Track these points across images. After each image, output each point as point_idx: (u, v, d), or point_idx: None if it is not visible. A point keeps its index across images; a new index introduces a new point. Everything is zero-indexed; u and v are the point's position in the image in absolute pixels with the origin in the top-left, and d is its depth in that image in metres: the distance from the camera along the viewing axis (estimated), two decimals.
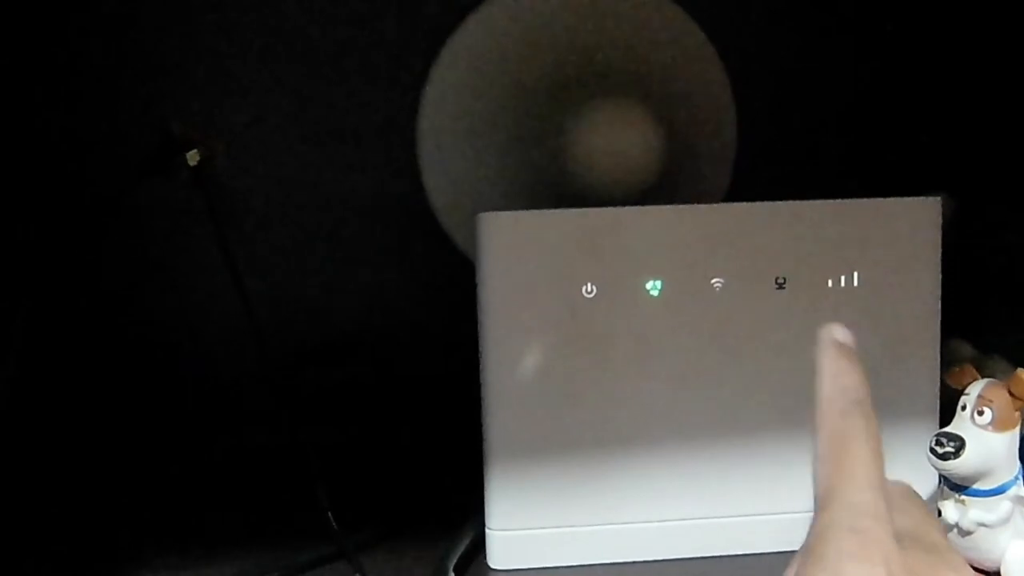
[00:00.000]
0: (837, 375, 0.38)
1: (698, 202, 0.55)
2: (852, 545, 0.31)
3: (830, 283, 0.54)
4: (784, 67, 0.79)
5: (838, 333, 0.39)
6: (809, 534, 0.33)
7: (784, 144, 0.79)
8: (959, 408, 0.50)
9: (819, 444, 0.36)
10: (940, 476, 0.51)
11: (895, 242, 0.54)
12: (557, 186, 0.68)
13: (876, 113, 0.81)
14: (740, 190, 0.76)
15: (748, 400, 0.54)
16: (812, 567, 0.32)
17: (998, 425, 0.49)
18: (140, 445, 0.74)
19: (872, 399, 0.37)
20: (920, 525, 0.38)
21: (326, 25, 0.75)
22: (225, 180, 0.74)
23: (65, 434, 0.74)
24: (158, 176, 0.64)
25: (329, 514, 0.56)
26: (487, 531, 0.56)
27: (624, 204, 0.56)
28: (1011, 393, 0.49)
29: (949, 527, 0.50)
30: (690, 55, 0.73)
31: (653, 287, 0.54)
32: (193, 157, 0.63)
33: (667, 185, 0.68)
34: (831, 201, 0.54)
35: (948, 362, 0.56)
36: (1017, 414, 0.50)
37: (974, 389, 0.50)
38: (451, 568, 0.54)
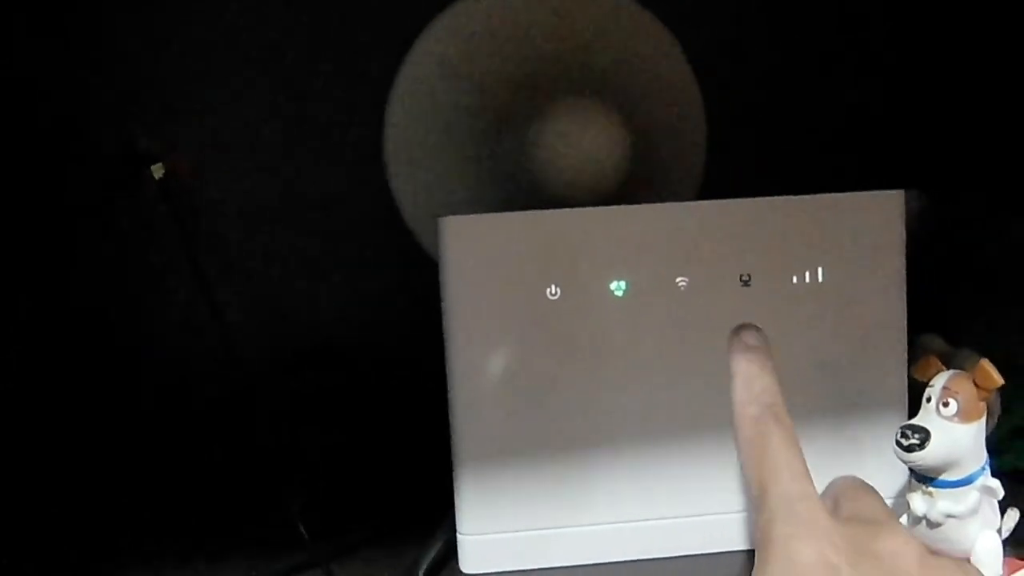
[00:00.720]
0: (748, 380, 0.41)
1: (667, 201, 0.55)
2: (793, 528, 0.35)
3: (795, 279, 0.54)
4: (753, 65, 0.80)
5: (747, 336, 0.42)
6: (756, 536, 0.36)
7: (755, 143, 0.79)
8: (924, 400, 0.50)
9: (740, 451, 0.40)
10: (908, 468, 0.51)
11: (859, 236, 0.54)
12: (524, 189, 0.68)
13: (846, 109, 0.81)
14: (712, 189, 0.76)
15: (715, 399, 0.54)
16: (763, 559, 0.35)
17: (963, 416, 0.49)
18: (113, 455, 0.74)
19: (784, 398, 0.41)
20: (864, 505, 0.40)
21: (292, 34, 0.75)
22: (193, 192, 0.74)
23: (34, 449, 0.73)
24: (124, 189, 0.65)
25: (299, 523, 0.56)
26: (458, 536, 0.55)
27: (592, 206, 0.56)
28: (976, 384, 0.49)
29: (917, 519, 0.50)
30: (656, 55, 0.73)
31: (618, 287, 0.54)
32: (158, 171, 0.63)
33: (635, 186, 0.68)
34: (793, 197, 0.54)
35: (916, 357, 0.56)
36: (983, 404, 0.49)
37: (939, 381, 0.50)
38: (423, 574, 0.54)
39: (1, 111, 0.72)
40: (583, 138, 0.66)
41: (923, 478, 0.50)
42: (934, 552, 0.39)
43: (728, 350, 0.43)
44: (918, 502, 0.50)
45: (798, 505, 0.35)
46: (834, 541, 0.34)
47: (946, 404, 0.49)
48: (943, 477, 0.50)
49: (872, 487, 0.45)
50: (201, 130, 0.75)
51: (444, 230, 0.53)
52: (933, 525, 0.50)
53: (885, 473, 0.54)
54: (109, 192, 0.71)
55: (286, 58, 0.75)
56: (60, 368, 0.74)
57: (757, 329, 0.45)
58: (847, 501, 0.40)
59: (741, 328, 0.44)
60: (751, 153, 0.78)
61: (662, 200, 0.55)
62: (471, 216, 0.53)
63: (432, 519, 0.57)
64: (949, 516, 0.49)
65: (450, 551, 0.56)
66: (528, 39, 0.71)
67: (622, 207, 0.54)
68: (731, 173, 0.74)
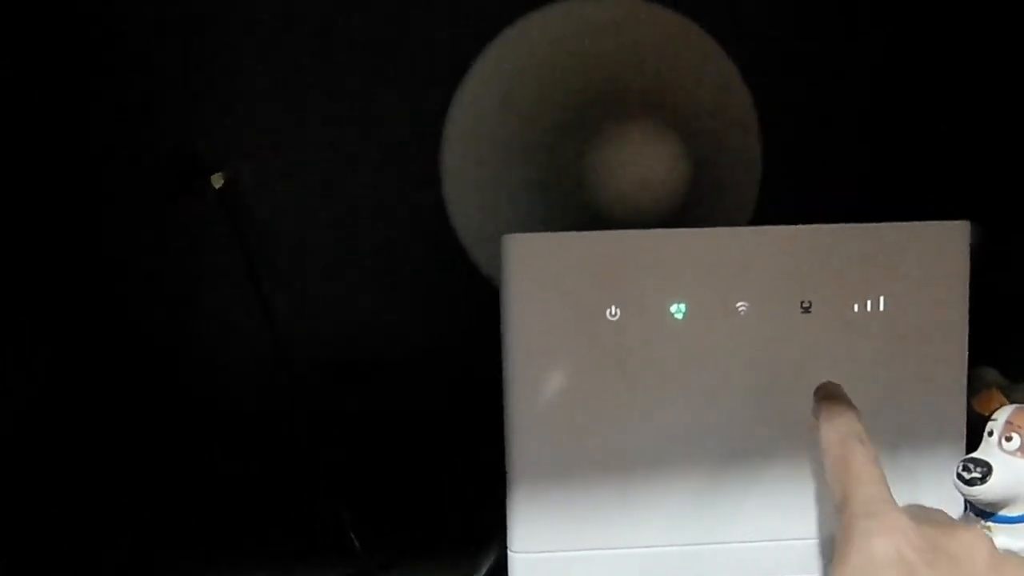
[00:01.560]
0: (831, 416, 0.46)
1: (723, 225, 0.55)
2: (872, 526, 0.38)
3: (856, 307, 0.54)
4: (811, 89, 0.79)
5: (828, 387, 0.49)
6: (837, 533, 0.40)
7: (810, 167, 0.79)
8: (986, 434, 0.50)
9: (827, 470, 0.44)
10: (966, 502, 0.51)
11: (922, 266, 0.54)
12: (582, 209, 0.68)
13: (905, 138, 0.81)
14: (766, 213, 0.76)
15: (772, 425, 0.54)
16: (843, 554, 0.38)
17: None
18: (164, 462, 0.74)
19: (865, 427, 0.46)
20: (935, 513, 0.45)
21: (352, 48, 0.75)
22: (250, 202, 0.74)
23: (94, 441, 0.74)
24: (183, 197, 0.65)
25: (352, 534, 0.56)
26: (509, 553, 0.55)
27: (649, 227, 0.56)
28: None
29: None
30: (715, 78, 0.73)
31: (677, 310, 0.53)
32: (217, 180, 0.64)
33: (692, 208, 0.68)
34: (857, 225, 0.54)
35: (975, 389, 0.56)
36: None
37: (1001, 415, 0.50)
38: None
39: (61, 117, 0.72)
40: (640, 160, 0.66)
41: (981, 512, 0.50)
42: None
43: (814, 410, 0.48)
44: None
45: (878, 506, 0.39)
46: (911, 539, 0.37)
47: (1009, 439, 0.49)
48: (1002, 512, 0.49)
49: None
50: (261, 141, 0.75)
51: (507, 248, 0.53)
52: None
53: (941, 506, 0.53)
54: (168, 200, 0.71)
55: (348, 73, 0.76)
56: (112, 370, 0.75)
57: (835, 385, 0.49)
58: (918, 511, 0.42)
59: (821, 386, 0.49)
60: (807, 179, 0.78)
61: (718, 224, 0.55)
62: (535, 234, 0.53)
63: (483, 535, 0.57)
64: (1007, 551, 0.49)
65: (500, 568, 0.56)
66: (586, 60, 0.71)
67: (685, 230, 0.54)
68: (786, 198, 0.74)
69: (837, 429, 0.45)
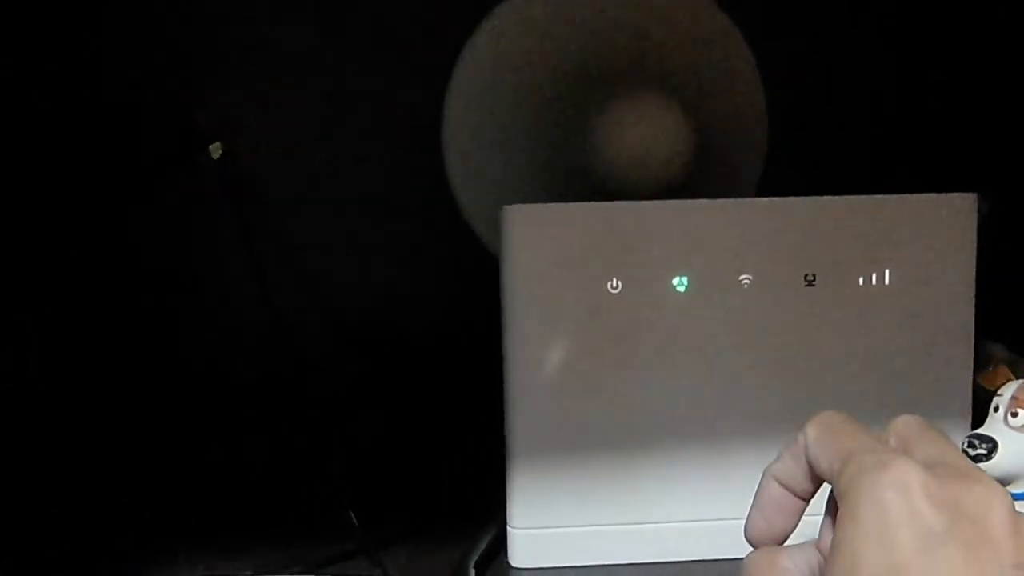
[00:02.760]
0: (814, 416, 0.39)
1: (728, 197, 0.54)
2: (888, 477, 0.33)
3: (861, 281, 0.53)
4: (816, 60, 0.78)
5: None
6: (839, 488, 0.34)
7: (816, 138, 0.78)
8: (992, 409, 0.49)
9: (811, 447, 0.38)
10: None
11: (928, 239, 0.53)
12: (584, 180, 0.67)
13: (912, 108, 0.80)
14: (771, 185, 0.75)
15: (775, 398, 0.54)
16: (855, 507, 0.33)
17: None
18: (161, 439, 0.74)
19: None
20: (942, 451, 0.37)
21: (351, 19, 0.75)
22: (248, 173, 0.73)
23: (87, 429, 0.73)
24: (182, 168, 0.64)
25: (350, 511, 0.56)
26: (509, 529, 0.55)
27: (652, 199, 0.55)
28: None
29: None
30: (720, 48, 0.72)
31: (680, 283, 0.53)
32: (216, 150, 0.63)
33: (697, 180, 0.67)
34: (862, 197, 0.53)
35: (982, 364, 0.55)
36: None
37: (1007, 390, 0.49)
38: (472, 566, 0.53)
39: (60, 94, 0.72)
40: (642, 131, 0.65)
41: None
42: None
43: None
44: None
45: (887, 456, 0.33)
46: (930, 493, 0.32)
47: (1015, 414, 0.48)
48: (1009, 488, 0.49)
49: (936, 427, 0.43)
50: (259, 112, 0.74)
51: (507, 219, 0.52)
52: None
53: None
54: (166, 170, 0.71)
55: (347, 45, 0.75)
56: (108, 351, 0.74)
57: None
58: (921, 443, 0.38)
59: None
60: (812, 150, 0.77)
61: (722, 196, 0.54)
62: (534, 205, 0.53)
63: (483, 511, 0.57)
64: None
65: (500, 544, 0.56)
66: (587, 30, 0.70)
67: (687, 201, 0.53)
68: (792, 169, 0.73)
69: (820, 416, 0.39)
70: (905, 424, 0.38)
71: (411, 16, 0.75)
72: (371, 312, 0.77)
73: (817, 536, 0.41)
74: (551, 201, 0.56)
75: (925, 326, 0.54)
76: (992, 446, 0.48)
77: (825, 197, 0.53)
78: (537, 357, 0.53)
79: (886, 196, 0.53)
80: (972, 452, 0.48)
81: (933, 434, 0.39)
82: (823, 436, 0.38)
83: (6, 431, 0.65)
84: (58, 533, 0.62)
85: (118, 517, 0.65)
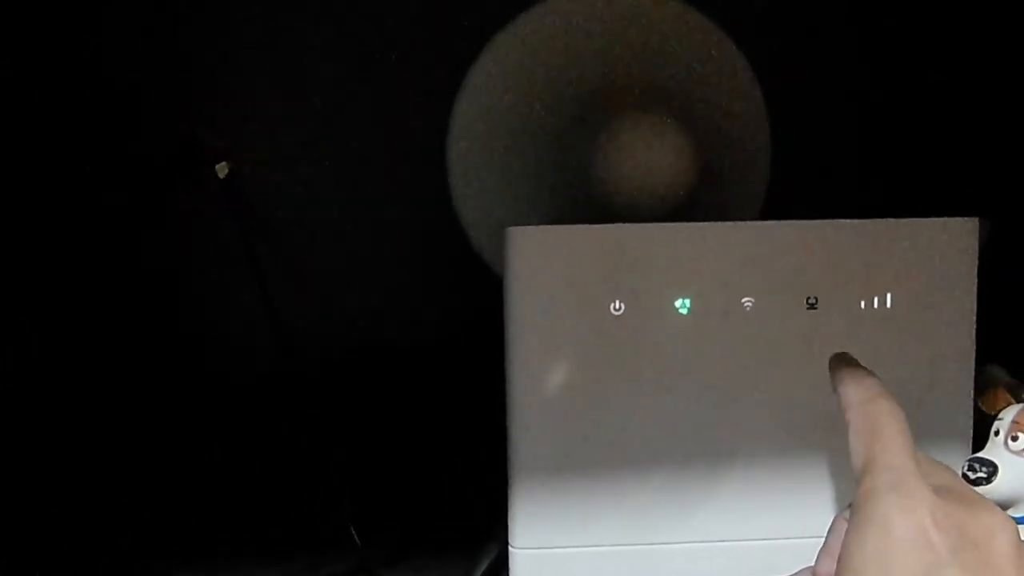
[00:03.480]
0: (857, 379, 0.41)
1: (731, 220, 0.54)
2: (897, 500, 0.35)
3: (863, 304, 0.53)
4: (820, 84, 0.79)
5: (845, 357, 0.44)
6: (855, 500, 0.36)
7: (819, 162, 0.78)
8: (992, 433, 0.50)
9: (851, 427, 0.39)
10: None
11: (930, 263, 0.53)
12: (588, 202, 0.67)
13: (915, 133, 0.80)
14: (774, 208, 0.76)
15: (777, 421, 0.54)
16: (862, 525, 0.35)
17: None
18: (161, 441, 0.74)
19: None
20: (952, 481, 0.39)
21: (357, 42, 0.75)
22: (253, 192, 0.74)
23: (88, 430, 0.74)
24: (186, 185, 0.64)
25: (352, 528, 0.56)
26: (510, 549, 0.55)
27: (655, 221, 0.56)
28: None
29: None
30: (724, 71, 0.72)
31: (682, 305, 0.53)
32: (222, 169, 0.63)
33: (699, 202, 0.67)
34: (865, 221, 0.53)
35: (982, 387, 0.55)
36: None
37: (1007, 414, 0.50)
38: None
39: (69, 107, 0.72)
40: (647, 153, 0.65)
41: None
42: None
43: (832, 376, 0.43)
44: None
45: (904, 478, 0.35)
46: (937, 519, 0.34)
47: (1015, 438, 0.49)
48: (1009, 512, 0.49)
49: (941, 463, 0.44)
50: (266, 131, 0.75)
51: (511, 240, 0.53)
52: None
53: None
54: (171, 188, 0.71)
55: (353, 65, 0.75)
56: (119, 357, 0.74)
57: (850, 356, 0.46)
58: (934, 469, 0.39)
59: (838, 354, 0.45)
60: (815, 174, 0.77)
61: (725, 218, 0.54)
62: (538, 227, 0.53)
63: (484, 530, 0.57)
64: None
65: (501, 564, 0.56)
66: (593, 53, 0.71)
67: (690, 223, 0.53)
68: (794, 193, 0.74)
69: (866, 386, 0.41)
70: (920, 457, 0.39)
71: (418, 31, 0.75)
72: (374, 330, 0.77)
73: (815, 561, 0.42)
74: (554, 223, 0.56)
75: (926, 350, 0.54)
76: (992, 470, 0.48)
77: (827, 220, 0.53)
78: (539, 376, 0.53)
79: (888, 220, 0.53)
80: (972, 476, 0.48)
81: (940, 467, 0.40)
82: (862, 426, 0.39)
83: (6, 431, 0.65)
84: (58, 533, 0.63)
85: (118, 517, 0.65)
